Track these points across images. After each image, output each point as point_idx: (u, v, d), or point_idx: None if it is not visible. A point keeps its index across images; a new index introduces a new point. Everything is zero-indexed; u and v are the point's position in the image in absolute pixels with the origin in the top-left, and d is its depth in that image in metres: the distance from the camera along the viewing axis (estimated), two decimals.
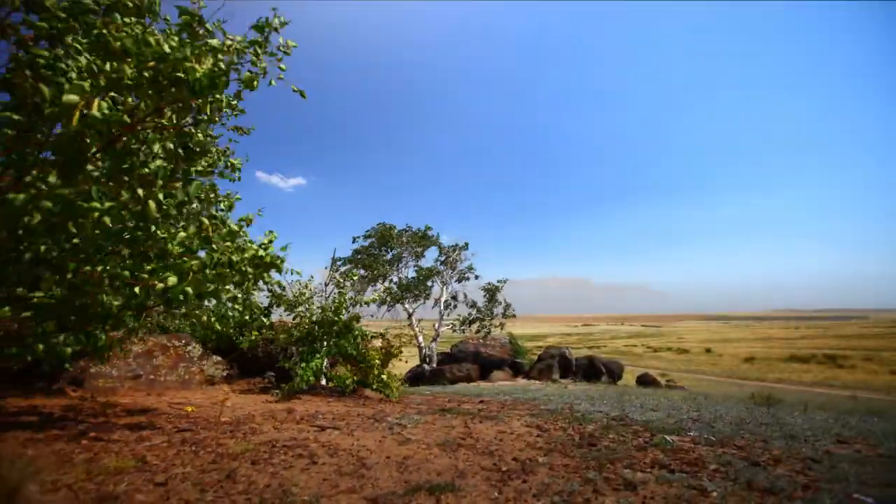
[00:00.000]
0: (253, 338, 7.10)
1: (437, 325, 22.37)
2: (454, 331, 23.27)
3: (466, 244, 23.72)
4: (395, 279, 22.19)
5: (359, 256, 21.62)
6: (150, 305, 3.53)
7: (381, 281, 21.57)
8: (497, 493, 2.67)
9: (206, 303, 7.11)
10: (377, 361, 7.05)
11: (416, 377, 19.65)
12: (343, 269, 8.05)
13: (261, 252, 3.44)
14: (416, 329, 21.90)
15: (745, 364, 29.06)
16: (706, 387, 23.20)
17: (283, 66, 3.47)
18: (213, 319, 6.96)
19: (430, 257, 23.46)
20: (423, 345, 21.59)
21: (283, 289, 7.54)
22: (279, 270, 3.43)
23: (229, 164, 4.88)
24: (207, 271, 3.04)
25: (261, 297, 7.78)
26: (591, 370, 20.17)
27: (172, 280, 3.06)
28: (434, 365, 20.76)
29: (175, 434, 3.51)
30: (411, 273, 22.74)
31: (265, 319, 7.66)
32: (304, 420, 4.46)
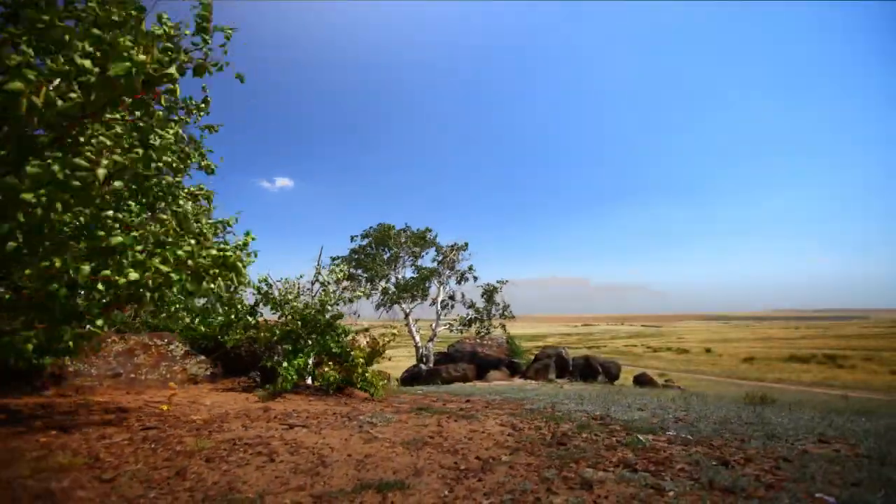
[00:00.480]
0: (238, 337, 7.11)
1: (434, 325, 22.35)
2: (451, 331, 23.25)
3: (466, 244, 23.66)
4: (393, 279, 22.19)
5: (356, 256, 21.65)
6: (116, 304, 3.53)
7: (377, 281, 21.59)
8: (448, 491, 2.65)
9: (188, 302, 7.15)
10: (361, 360, 7.04)
11: (412, 377, 19.65)
12: (328, 266, 8.02)
13: (225, 253, 3.44)
14: (413, 329, 21.89)
15: (745, 364, 28.80)
16: (704, 387, 23.03)
17: (225, 50, 3.49)
18: (196, 320, 7.00)
19: (429, 257, 23.42)
20: (419, 344, 21.59)
21: (270, 287, 7.55)
22: (239, 273, 3.42)
23: (203, 164, 4.89)
24: (164, 267, 3.05)
25: (248, 296, 7.80)
26: (588, 370, 20.09)
27: (133, 275, 3.07)
28: (431, 365, 20.74)
29: (139, 432, 3.52)
30: (409, 273, 22.75)
31: (252, 319, 7.67)
32: (276, 418, 4.46)
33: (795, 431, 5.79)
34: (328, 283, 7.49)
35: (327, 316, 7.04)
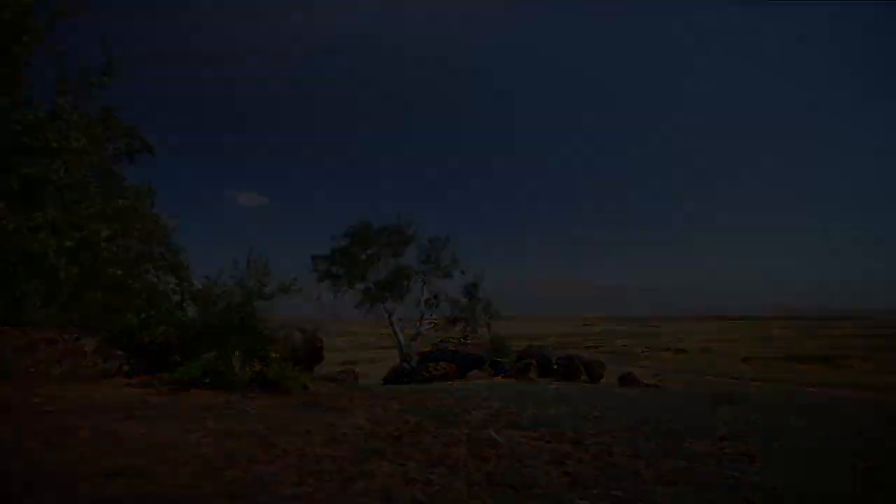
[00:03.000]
0: (156, 332, 7.14)
1: (417, 324, 22.19)
2: (437, 329, 23.04)
3: (447, 237, 22.96)
4: (373, 278, 22.11)
5: (336, 255, 21.65)
6: None
7: (357, 280, 21.57)
8: (190, 479, 2.56)
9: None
10: (276, 355, 7.01)
11: (397, 375, 19.60)
12: (258, 264, 7.99)
13: None
14: (397, 328, 21.77)
15: (743, 364, 27.83)
16: (698, 386, 22.25)
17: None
18: (113, 316, 7.05)
19: (412, 255, 23.13)
20: (403, 344, 21.50)
21: (191, 284, 7.57)
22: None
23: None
24: None
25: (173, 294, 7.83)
26: (570, 369, 19.64)
27: None
28: (414, 364, 20.62)
29: None
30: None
31: (181, 314, 7.70)
32: (129, 410, 4.44)
33: (703, 430, 5.51)
34: (246, 280, 7.46)
35: (241, 313, 7.04)
